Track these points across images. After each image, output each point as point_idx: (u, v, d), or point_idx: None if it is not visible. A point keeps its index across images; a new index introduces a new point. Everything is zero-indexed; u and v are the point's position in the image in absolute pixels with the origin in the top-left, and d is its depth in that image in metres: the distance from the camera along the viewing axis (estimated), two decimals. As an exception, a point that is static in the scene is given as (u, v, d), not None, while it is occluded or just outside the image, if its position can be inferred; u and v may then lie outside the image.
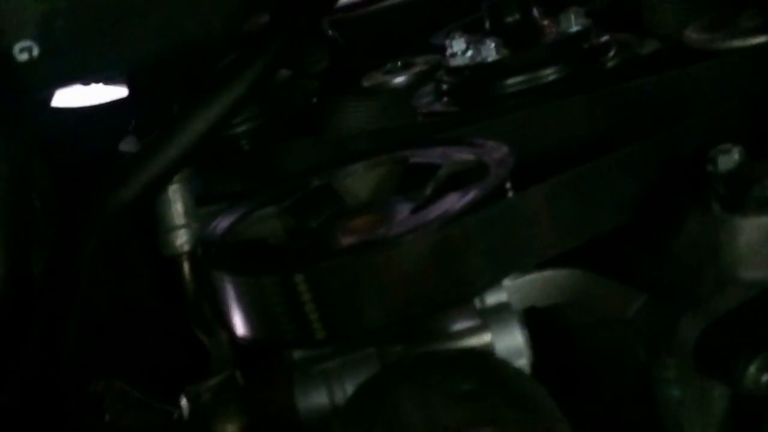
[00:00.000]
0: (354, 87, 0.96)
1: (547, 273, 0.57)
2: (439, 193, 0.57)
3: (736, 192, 0.44)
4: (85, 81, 0.66)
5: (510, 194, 0.56)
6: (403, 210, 0.57)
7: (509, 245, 0.54)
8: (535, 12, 0.75)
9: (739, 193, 0.44)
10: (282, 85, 0.94)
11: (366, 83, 0.96)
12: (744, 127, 0.55)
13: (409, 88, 0.90)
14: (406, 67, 0.94)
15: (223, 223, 0.59)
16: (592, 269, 0.57)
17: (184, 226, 0.64)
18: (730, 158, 0.46)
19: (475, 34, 0.79)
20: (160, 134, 0.58)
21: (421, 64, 0.94)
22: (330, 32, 1.15)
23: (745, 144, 0.49)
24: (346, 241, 0.54)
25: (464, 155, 0.59)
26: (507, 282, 0.56)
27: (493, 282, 0.54)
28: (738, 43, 0.65)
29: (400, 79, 0.93)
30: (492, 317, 0.53)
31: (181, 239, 0.63)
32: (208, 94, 0.58)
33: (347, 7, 1.28)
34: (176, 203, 0.64)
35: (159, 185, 0.59)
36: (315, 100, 0.94)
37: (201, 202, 0.77)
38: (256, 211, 0.59)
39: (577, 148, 0.65)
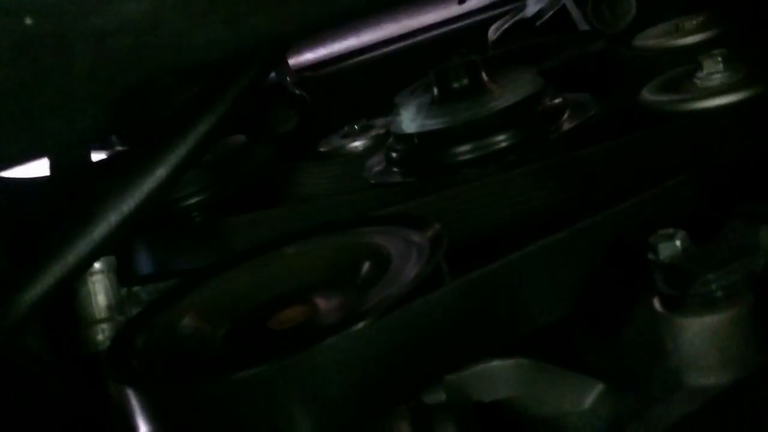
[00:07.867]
0: (310, 152, 0.93)
1: (493, 364, 0.52)
2: (370, 281, 0.52)
3: (676, 288, 0.40)
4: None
5: (447, 279, 0.52)
6: (334, 299, 0.53)
7: (451, 337, 0.49)
8: (485, 76, 0.71)
9: (680, 289, 0.39)
10: (236, 153, 0.91)
11: (323, 148, 0.92)
12: (694, 205, 0.50)
13: (366, 153, 0.86)
14: (363, 131, 0.91)
15: (134, 324, 0.54)
16: (542, 358, 0.53)
17: (106, 320, 0.59)
18: (671, 245, 0.41)
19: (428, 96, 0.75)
20: (70, 223, 0.54)
21: (379, 126, 0.91)
22: (297, 91, 1.12)
23: (694, 225, 0.44)
24: (266, 342, 0.50)
25: (397, 236, 0.55)
26: (450, 377, 0.51)
27: (434, 378, 0.50)
28: (697, 104, 0.60)
29: (356, 144, 0.89)
30: (429, 419, 0.48)
31: (103, 335, 0.59)
32: (123, 177, 0.54)
33: (314, 66, 1.26)
34: (98, 295, 0.59)
35: (69, 281, 0.54)
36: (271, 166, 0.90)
37: (151, 279, 0.73)
38: (173, 305, 0.55)
39: (527, 223, 0.61)
